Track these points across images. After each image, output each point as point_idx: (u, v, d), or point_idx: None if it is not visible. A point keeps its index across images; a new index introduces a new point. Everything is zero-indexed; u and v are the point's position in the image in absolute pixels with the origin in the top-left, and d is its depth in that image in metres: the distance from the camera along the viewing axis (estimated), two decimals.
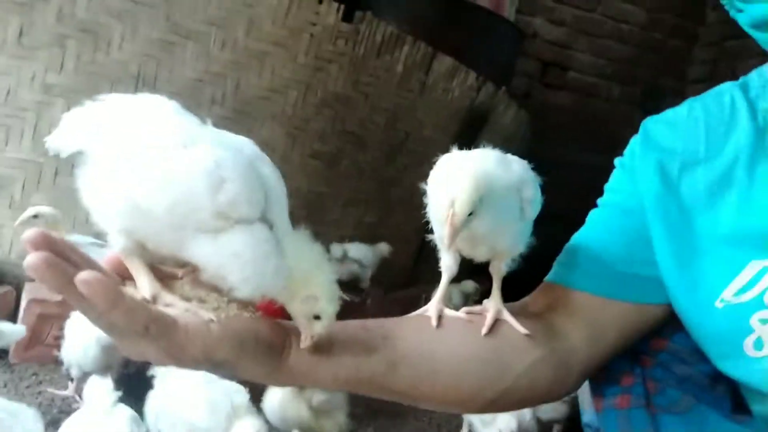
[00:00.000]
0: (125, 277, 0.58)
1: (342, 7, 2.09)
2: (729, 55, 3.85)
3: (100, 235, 1.90)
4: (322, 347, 0.66)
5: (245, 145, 0.59)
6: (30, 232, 0.49)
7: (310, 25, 2.07)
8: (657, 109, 0.93)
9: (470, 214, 0.65)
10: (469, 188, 0.65)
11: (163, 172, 0.52)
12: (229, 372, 0.60)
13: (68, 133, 0.56)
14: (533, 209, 0.75)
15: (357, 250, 2.25)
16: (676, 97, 0.96)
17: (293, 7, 2.02)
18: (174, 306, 0.56)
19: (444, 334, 0.75)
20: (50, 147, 0.56)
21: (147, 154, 0.53)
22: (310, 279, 0.59)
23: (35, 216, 1.56)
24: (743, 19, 0.77)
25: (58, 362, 1.51)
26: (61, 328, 1.56)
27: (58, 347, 1.49)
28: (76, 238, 1.62)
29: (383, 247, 2.29)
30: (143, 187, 0.52)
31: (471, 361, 0.75)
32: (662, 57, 4.10)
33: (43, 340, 1.65)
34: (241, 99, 2.05)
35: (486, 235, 0.73)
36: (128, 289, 0.56)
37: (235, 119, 2.04)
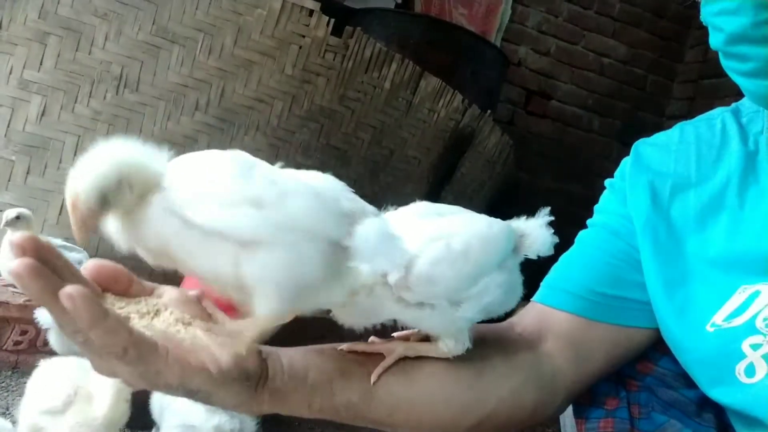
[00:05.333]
0: (105, 288, 0.56)
1: (332, 20, 2.08)
2: (706, 93, 3.95)
3: (69, 238, 1.82)
4: (297, 375, 0.63)
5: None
6: (19, 236, 0.47)
7: (299, 36, 2.06)
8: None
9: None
10: None
11: None
12: (202, 399, 0.57)
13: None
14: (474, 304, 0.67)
15: None
16: (654, 131, 0.95)
17: (283, 17, 2.01)
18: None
19: (423, 359, 0.71)
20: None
21: None
22: None
23: (17, 217, 1.48)
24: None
25: (16, 368, 1.43)
26: (23, 333, 1.49)
27: (18, 353, 1.41)
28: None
29: None
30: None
31: (450, 385, 0.71)
32: (642, 92, 4.19)
33: (2, 345, 1.57)
34: (225, 107, 2.01)
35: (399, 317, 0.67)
36: (110, 300, 0.55)
37: (217, 127, 2.00)
